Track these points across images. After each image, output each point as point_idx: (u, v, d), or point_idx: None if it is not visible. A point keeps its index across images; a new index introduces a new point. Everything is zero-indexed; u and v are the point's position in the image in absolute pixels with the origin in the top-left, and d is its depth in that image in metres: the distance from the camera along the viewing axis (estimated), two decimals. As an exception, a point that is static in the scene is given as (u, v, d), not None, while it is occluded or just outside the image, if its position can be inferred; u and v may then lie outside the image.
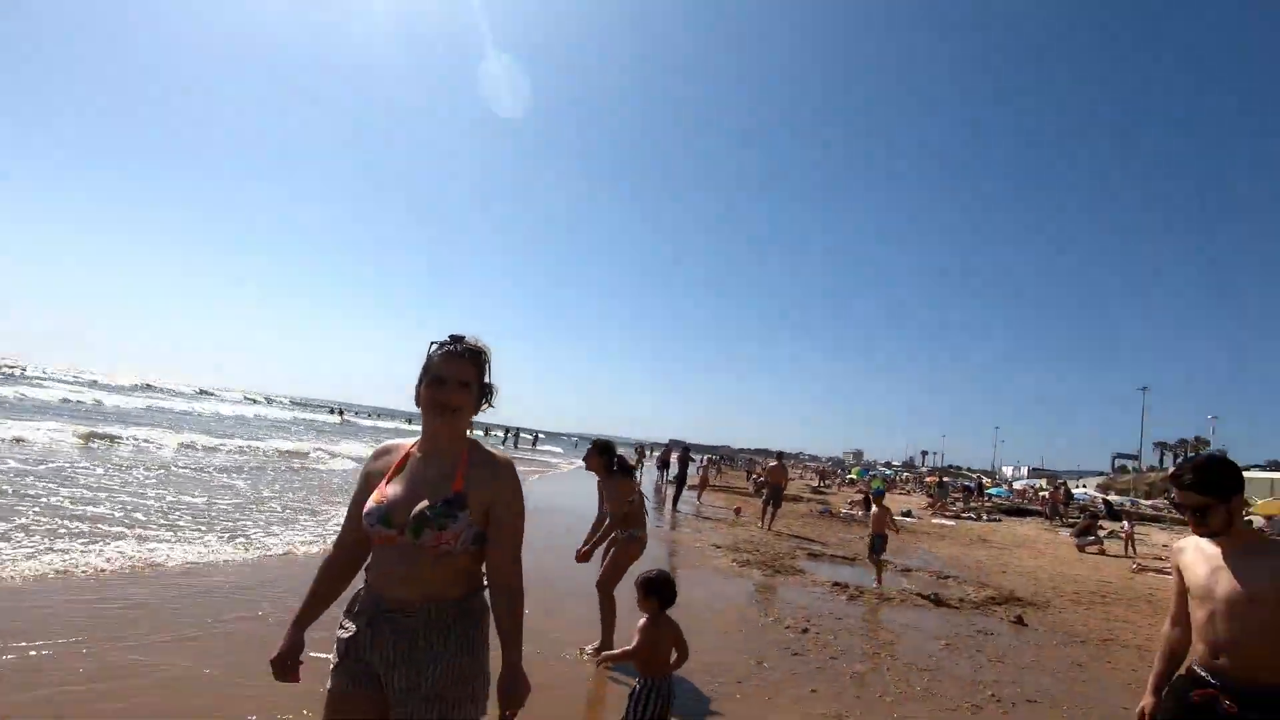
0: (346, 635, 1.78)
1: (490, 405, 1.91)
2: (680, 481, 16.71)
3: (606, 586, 4.73)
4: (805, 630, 5.95)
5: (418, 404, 1.83)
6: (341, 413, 66.65)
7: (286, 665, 1.81)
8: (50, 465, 10.83)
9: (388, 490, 1.79)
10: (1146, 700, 2.41)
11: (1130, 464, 70.17)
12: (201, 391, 72.57)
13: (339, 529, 1.94)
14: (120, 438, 16.48)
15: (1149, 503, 35.07)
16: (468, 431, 1.88)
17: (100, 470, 10.99)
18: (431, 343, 1.88)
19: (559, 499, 14.95)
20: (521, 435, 57.87)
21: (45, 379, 46.44)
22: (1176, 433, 78.45)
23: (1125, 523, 17.51)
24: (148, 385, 60.98)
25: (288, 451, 19.13)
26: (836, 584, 8.31)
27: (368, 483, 1.87)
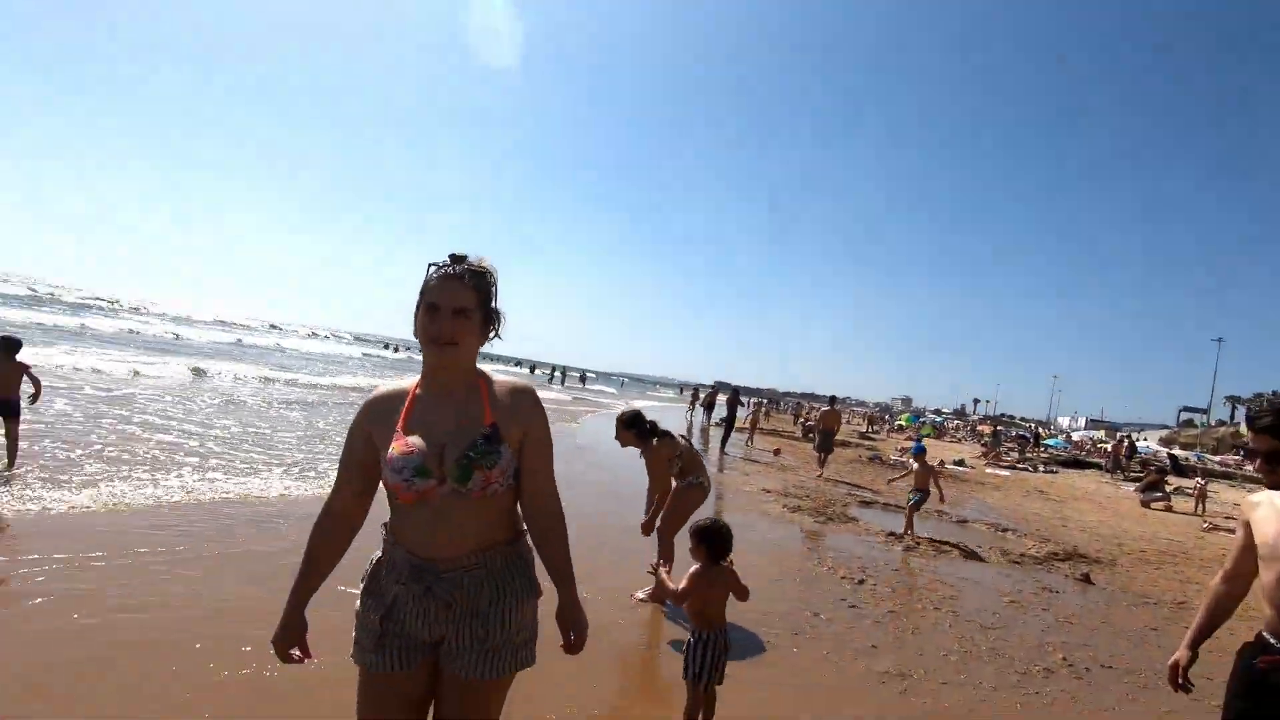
0: (379, 609, 1.60)
1: (498, 335, 1.68)
2: (729, 424, 16.56)
3: (665, 533, 4.63)
4: (861, 582, 5.80)
5: (416, 335, 1.59)
6: (397, 349, 68.06)
7: (290, 644, 1.62)
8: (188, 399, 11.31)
9: (411, 439, 1.56)
10: (1181, 654, 2.22)
11: (1198, 418, 67.13)
12: (271, 326, 75.01)
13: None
14: (222, 373, 17.74)
15: (1217, 459, 33.58)
16: (475, 363, 1.68)
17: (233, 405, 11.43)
18: (429, 264, 1.64)
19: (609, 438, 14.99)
20: (570, 374, 58.28)
21: (139, 314, 48.61)
22: (1252, 387, 74.54)
23: (1199, 479, 16.75)
24: (221, 320, 63.32)
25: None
26: (891, 534, 8.11)
27: (366, 436, 1.65)
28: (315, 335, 74.42)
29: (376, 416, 1.65)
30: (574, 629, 1.67)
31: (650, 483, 4.76)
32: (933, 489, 8.27)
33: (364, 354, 50.67)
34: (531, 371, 53.69)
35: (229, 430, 9.34)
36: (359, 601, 1.66)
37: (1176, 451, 33.26)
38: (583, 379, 57.96)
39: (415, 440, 1.56)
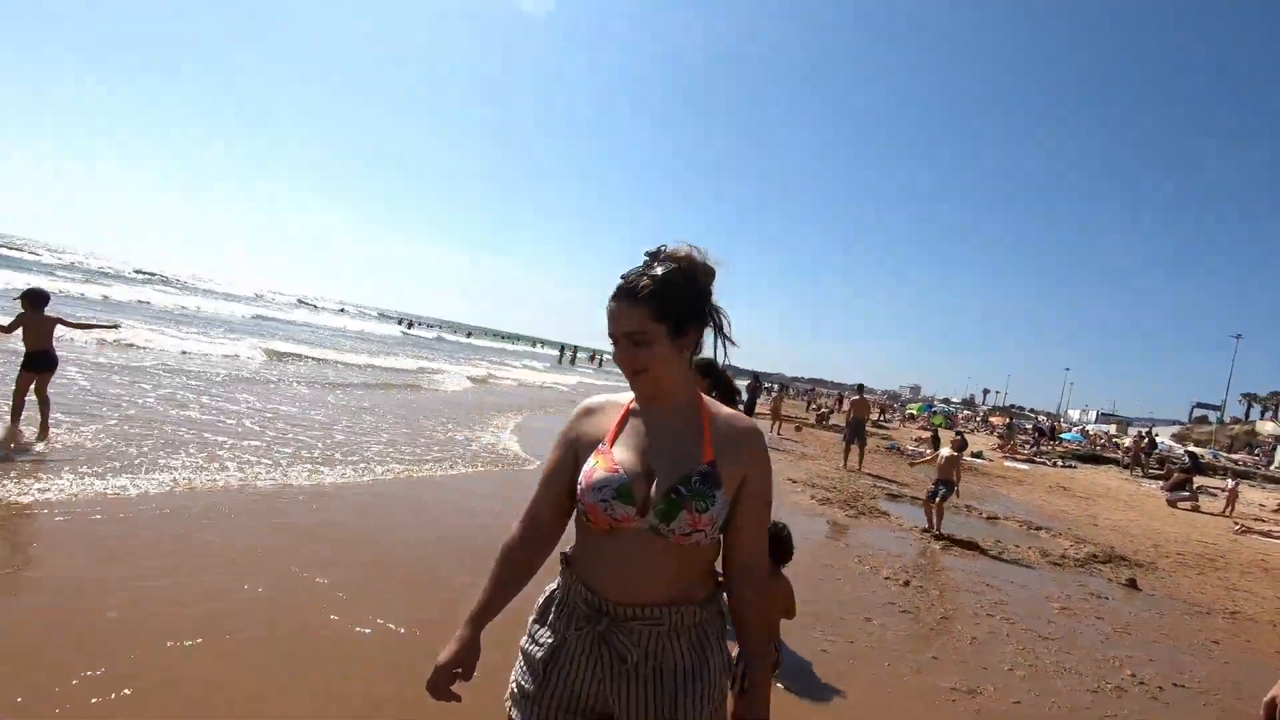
0: (543, 651, 1.36)
1: (726, 340, 1.43)
2: (749, 411, 16.26)
3: None
4: (907, 584, 5.55)
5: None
6: (412, 324, 67.83)
7: (454, 676, 1.34)
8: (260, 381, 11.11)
9: (619, 458, 1.34)
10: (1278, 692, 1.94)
11: (1212, 414, 66.43)
12: (300, 301, 75.06)
13: (529, 502, 1.45)
14: (301, 356, 17.84)
15: (1236, 457, 33.20)
16: (686, 383, 1.41)
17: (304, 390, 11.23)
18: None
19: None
20: (579, 352, 57.93)
21: (192, 289, 48.77)
22: (1270, 385, 73.46)
23: (1230, 480, 16.44)
24: (259, 295, 63.70)
25: (410, 370, 19.55)
26: (925, 530, 7.86)
27: (573, 450, 1.43)
28: (345, 311, 74.26)
29: (585, 429, 1.43)
30: (753, 711, 1.38)
31: None
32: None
33: (404, 333, 50.65)
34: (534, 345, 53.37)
35: (308, 419, 9.13)
36: (525, 637, 1.43)
37: (1195, 449, 32.92)
38: (596, 359, 57.20)
39: (624, 459, 1.34)
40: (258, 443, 6.82)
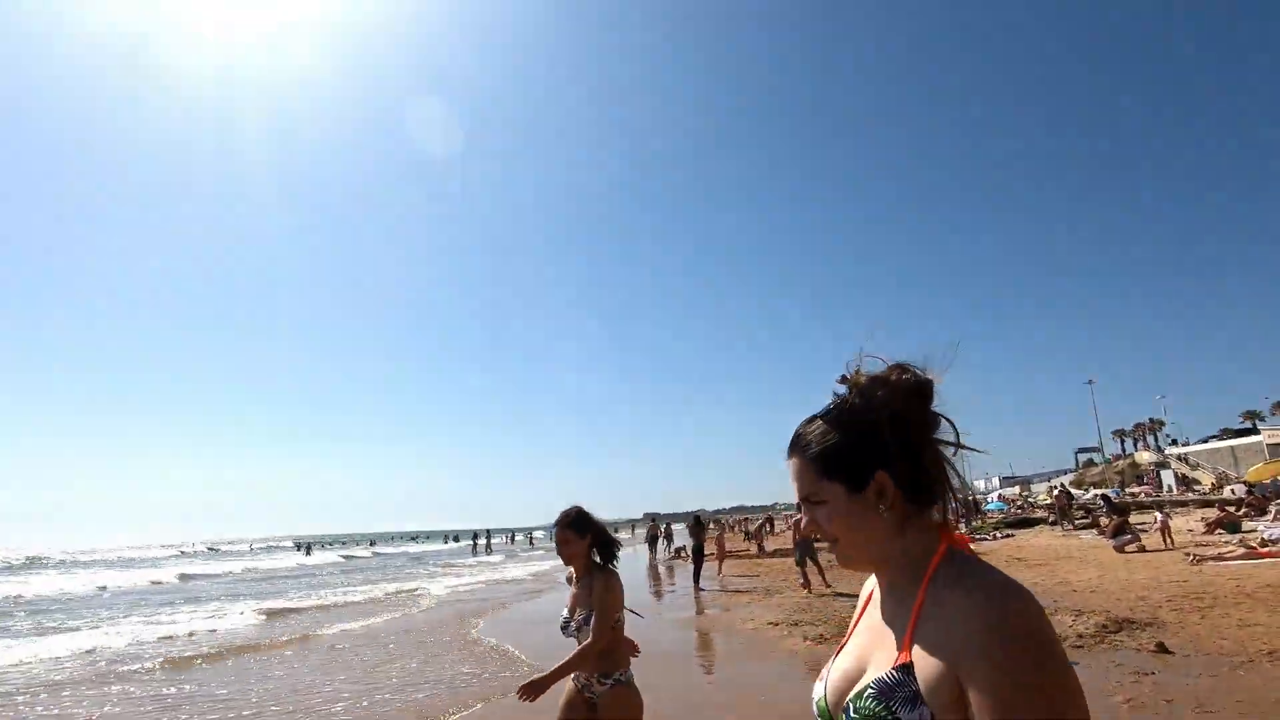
0: None
1: (923, 491, 0.96)
2: (699, 554, 15.33)
3: None
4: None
5: None
6: (309, 550, 61.30)
7: None
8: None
9: (840, 657, 1.01)
10: None
11: (1094, 456, 71.53)
12: (210, 548, 67.55)
13: None
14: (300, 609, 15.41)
15: (1136, 490, 35.22)
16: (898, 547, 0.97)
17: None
18: None
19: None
20: (490, 535, 54.18)
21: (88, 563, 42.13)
22: (1130, 417, 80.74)
23: (1157, 514, 17.01)
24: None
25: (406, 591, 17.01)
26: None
27: None
28: (274, 546, 66.81)
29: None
30: None
31: (574, 615, 2.99)
32: None
33: (375, 552, 45.44)
34: (448, 540, 49.45)
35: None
36: None
37: (1105, 492, 34.67)
38: (521, 537, 53.48)
39: (840, 663, 1.00)
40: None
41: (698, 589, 14.35)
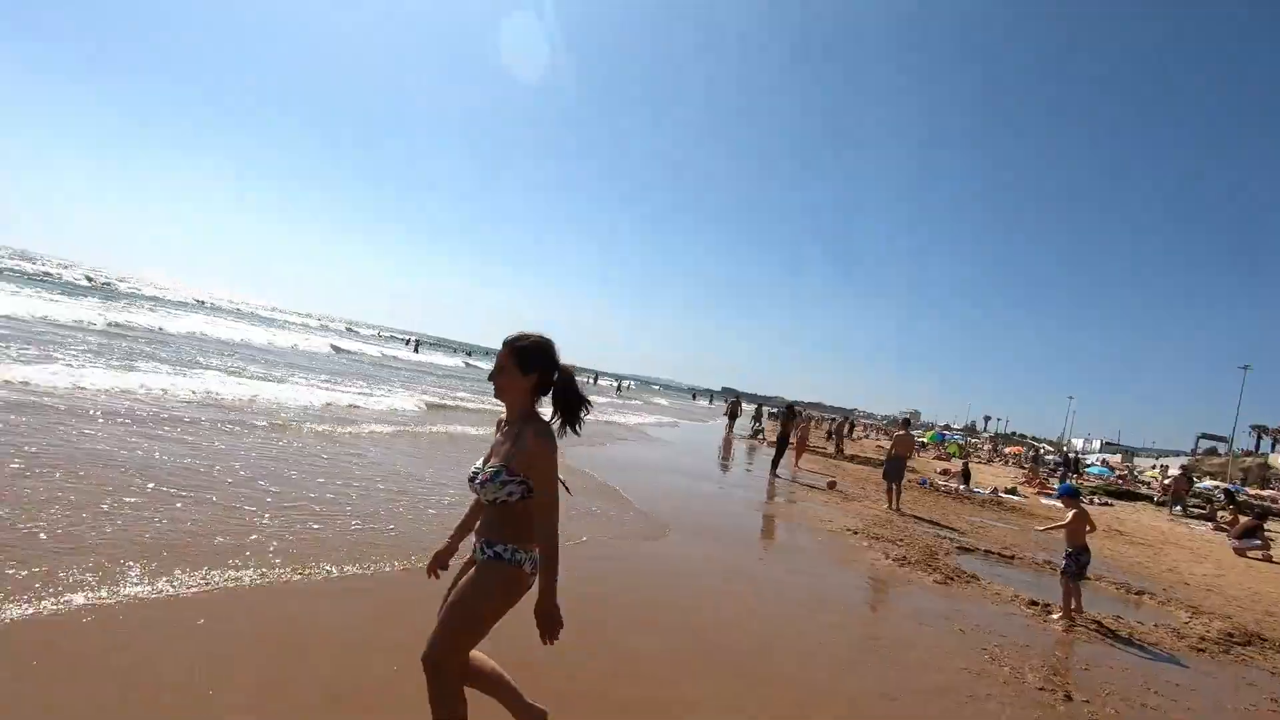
0: None
1: None
2: (783, 442, 15.06)
3: (463, 624, 2.30)
4: (1069, 698, 4.34)
5: None
6: (418, 347, 63.69)
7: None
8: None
9: None
10: None
11: (1220, 446, 65.41)
12: (349, 328, 72.99)
13: None
14: (459, 408, 16.71)
15: (1265, 493, 32.05)
16: None
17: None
18: None
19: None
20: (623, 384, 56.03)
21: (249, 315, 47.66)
22: (1278, 417, 72.47)
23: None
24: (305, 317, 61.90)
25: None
26: (1032, 602, 6.71)
27: None
28: (353, 332, 72.27)
29: None
30: None
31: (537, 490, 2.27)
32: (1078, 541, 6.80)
33: (466, 363, 48.53)
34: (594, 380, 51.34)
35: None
36: None
37: (1208, 483, 31.68)
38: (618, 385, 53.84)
39: None
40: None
41: (774, 475, 14.21)
